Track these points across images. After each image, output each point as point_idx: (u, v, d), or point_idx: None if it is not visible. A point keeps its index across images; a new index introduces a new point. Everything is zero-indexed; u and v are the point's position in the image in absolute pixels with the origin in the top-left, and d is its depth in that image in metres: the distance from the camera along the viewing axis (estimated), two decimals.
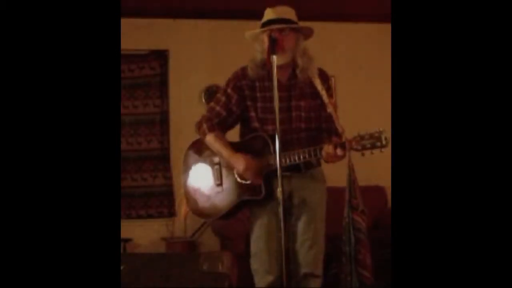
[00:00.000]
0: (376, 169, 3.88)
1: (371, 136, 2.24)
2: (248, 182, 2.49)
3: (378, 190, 4.95)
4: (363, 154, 2.29)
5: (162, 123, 5.12)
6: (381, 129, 2.24)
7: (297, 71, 2.49)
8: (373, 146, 2.24)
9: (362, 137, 2.26)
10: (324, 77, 2.56)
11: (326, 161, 2.40)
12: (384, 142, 2.22)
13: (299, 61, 2.48)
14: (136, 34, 4.95)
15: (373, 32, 5.22)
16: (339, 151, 2.29)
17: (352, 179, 3.58)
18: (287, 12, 2.49)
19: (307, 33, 2.55)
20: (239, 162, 2.46)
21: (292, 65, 2.51)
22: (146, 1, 4.79)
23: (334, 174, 3.78)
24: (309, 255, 2.50)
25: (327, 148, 2.30)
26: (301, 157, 2.38)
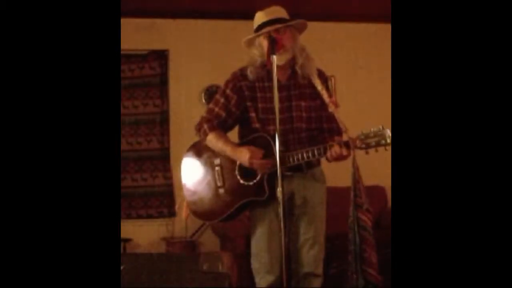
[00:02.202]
0: (376, 169, 3.88)
1: (375, 134, 2.25)
2: (251, 183, 2.49)
3: (378, 190, 4.95)
4: (367, 153, 2.30)
5: (162, 123, 5.11)
6: (384, 127, 2.24)
7: (297, 68, 2.49)
8: (378, 144, 2.25)
9: (366, 136, 2.27)
10: (323, 77, 2.57)
11: (331, 161, 2.39)
12: (388, 140, 2.22)
13: (299, 58, 2.49)
14: (136, 34, 4.95)
15: (373, 32, 5.22)
16: (344, 151, 2.30)
17: (356, 178, 3.58)
18: (279, 11, 2.50)
19: (302, 27, 2.54)
20: (244, 153, 2.45)
21: (291, 65, 2.52)
22: (146, 1, 4.79)
23: (336, 174, 3.79)
24: (310, 254, 2.51)
25: (335, 148, 2.30)
26: (305, 156, 2.38)
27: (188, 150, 2.71)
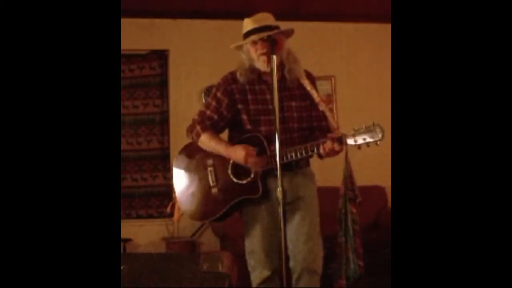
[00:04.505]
0: (376, 169, 3.89)
1: (367, 130, 2.32)
2: (244, 181, 2.51)
3: (378, 190, 4.95)
4: (359, 148, 2.36)
5: (162, 123, 5.12)
6: (375, 123, 2.32)
7: (285, 72, 2.55)
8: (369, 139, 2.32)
9: (358, 131, 2.34)
10: (311, 77, 2.62)
11: (324, 156, 2.43)
12: (380, 135, 2.30)
13: (286, 62, 2.54)
14: (136, 34, 4.95)
15: (373, 32, 5.22)
16: (336, 146, 2.35)
17: (348, 172, 3.68)
18: (266, 19, 2.55)
19: (289, 33, 2.59)
20: (239, 151, 2.47)
21: (280, 69, 2.55)
22: (146, 1, 4.80)
23: (334, 174, 3.81)
24: (304, 250, 2.51)
25: (328, 144, 2.35)
26: (298, 154, 2.41)
27: (179, 153, 2.73)
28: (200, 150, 2.63)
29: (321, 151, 2.38)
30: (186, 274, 2.45)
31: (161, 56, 5.14)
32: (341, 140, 2.35)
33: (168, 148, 5.08)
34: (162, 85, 5.15)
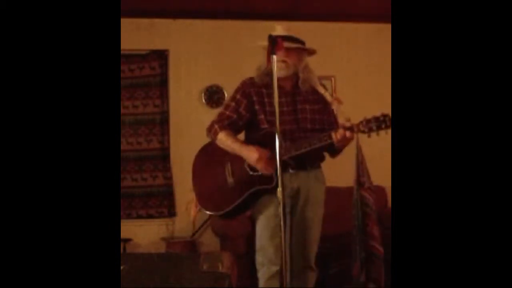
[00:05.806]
0: (376, 169, 3.90)
1: (376, 119, 2.46)
2: (260, 173, 2.63)
3: (378, 190, 4.95)
4: (369, 136, 2.50)
5: (162, 123, 5.11)
6: (384, 113, 2.45)
7: (299, 83, 2.73)
8: (379, 128, 2.45)
9: (368, 121, 2.48)
10: (322, 84, 2.80)
11: (337, 143, 2.54)
12: (388, 123, 2.43)
13: (301, 75, 2.72)
14: (136, 34, 4.95)
15: (373, 32, 5.22)
16: (348, 134, 2.51)
17: (360, 159, 3.77)
18: (295, 30, 2.70)
19: (311, 51, 2.77)
20: (251, 153, 2.62)
21: (295, 77, 2.73)
22: (146, 1, 4.79)
23: (336, 174, 3.83)
24: (308, 249, 2.70)
25: (340, 131, 2.51)
26: (312, 144, 2.55)
27: (199, 152, 2.88)
28: (219, 147, 2.77)
29: (333, 138, 2.51)
30: (186, 274, 2.45)
31: (161, 56, 5.14)
32: (352, 128, 2.50)
33: (168, 148, 5.08)
34: (162, 85, 5.14)
